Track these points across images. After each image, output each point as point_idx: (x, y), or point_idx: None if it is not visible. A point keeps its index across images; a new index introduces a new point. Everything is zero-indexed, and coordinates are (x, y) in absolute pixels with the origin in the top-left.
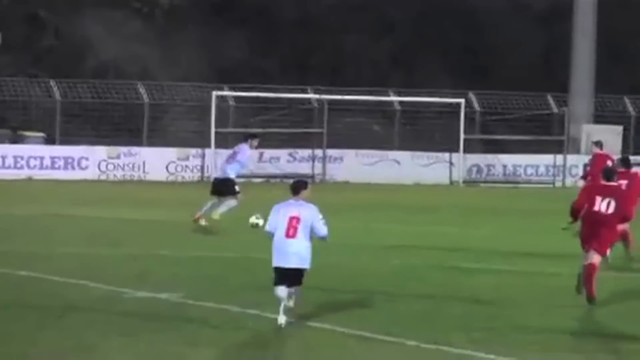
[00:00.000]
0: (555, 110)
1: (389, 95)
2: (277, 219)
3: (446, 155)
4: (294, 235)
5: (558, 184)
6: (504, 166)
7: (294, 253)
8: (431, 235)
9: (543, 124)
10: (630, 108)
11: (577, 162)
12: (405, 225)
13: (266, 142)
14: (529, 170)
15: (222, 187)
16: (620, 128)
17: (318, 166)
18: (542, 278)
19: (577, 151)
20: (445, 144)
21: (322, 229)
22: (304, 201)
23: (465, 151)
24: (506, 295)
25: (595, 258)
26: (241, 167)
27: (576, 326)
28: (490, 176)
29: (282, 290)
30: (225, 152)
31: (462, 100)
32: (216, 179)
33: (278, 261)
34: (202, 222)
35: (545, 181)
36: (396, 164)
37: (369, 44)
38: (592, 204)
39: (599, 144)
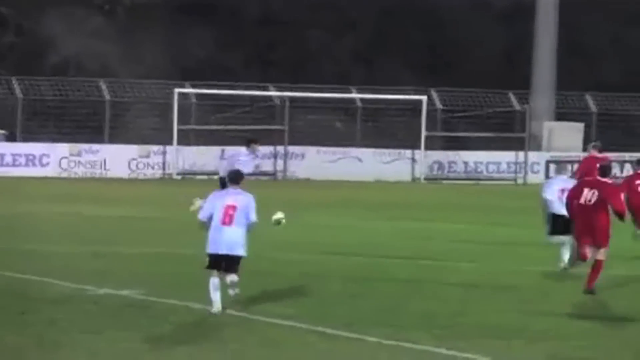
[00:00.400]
0: (516, 107)
1: (350, 93)
2: (213, 207)
3: (408, 152)
4: (230, 223)
5: (519, 180)
6: (466, 163)
7: (229, 240)
8: (394, 231)
9: (505, 121)
10: (591, 105)
11: (539, 159)
12: (367, 222)
13: (227, 139)
14: (491, 167)
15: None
16: (581, 125)
17: (280, 163)
18: (505, 275)
19: (539, 148)
20: (407, 140)
21: (253, 216)
22: (241, 190)
23: (427, 148)
24: (470, 291)
25: (601, 254)
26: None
27: (540, 323)
28: (451, 173)
29: (215, 280)
30: (187, 149)
31: (424, 98)
32: (221, 178)
33: (213, 248)
34: None
35: (507, 178)
36: (358, 161)
37: (331, 41)
38: (579, 197)
39: (596, 146)
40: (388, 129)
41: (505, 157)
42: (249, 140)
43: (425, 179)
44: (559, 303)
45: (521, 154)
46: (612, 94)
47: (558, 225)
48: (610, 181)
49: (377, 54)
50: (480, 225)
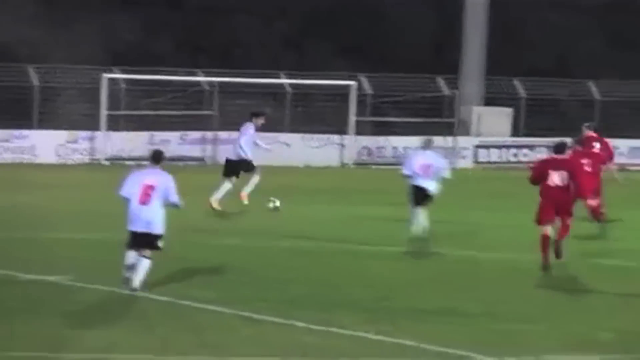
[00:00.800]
0: (445, 92)
1: (280, 78)
2: (132, 186)
3: (337, 137)
4: (147, 202)
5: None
6: (395, 148)
7: (147, 219)
8: (324, 216)
9: (434, 106)
10: (520, 90)
11: (467, 144)
12: (296, 207)
13: (157, 124)
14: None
15: (238, 168)
16: (510, 110)
17: (209, 148)
18: (434, 259)
19: (467, 133)
20: (336, 126)
21: (175, 196)
22: (160, 170)
23: (356, 133)
24: (399, 275)
25: (549, 230)
26: (251, 144)
27: (468, 306)
28: (380, 158)
29: (131, 257)
30: (115, 135)
31: (353, 83)
32: (229, 161)
33: (132, 226)
34: (217, 206)
35: None
36: (286, 146)
37: (261, 26)
38: (546, 178)
39: (591, 126)
40: (317, 115)
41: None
42: (253, 114)
43: (354, 164)
44: (487, 286)
45: (450, 139)
46: (541, 79)
47: (418, 197)
48: (568, 157)
49: (307, 39)
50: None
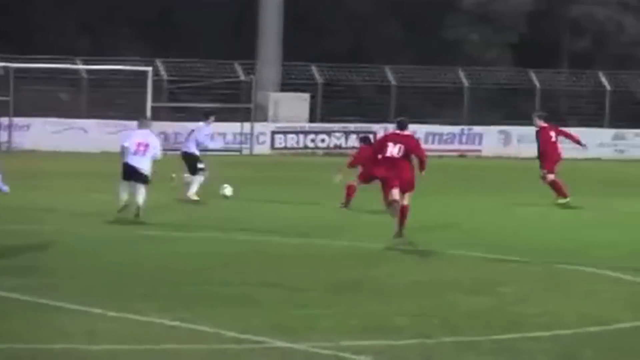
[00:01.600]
0: (243, 77)
1: (75, 64)
2: None
3: (134, 123)
4: None
5: (245, 151)
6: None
7: None
8: (115, 203)
9: (231, 91)
10: (317, 75)
11: (265, 129)
12: (90, 193)
13: None
14: (217, 138)
15: (188, 162)
16: (307, 95)
17: (4, 134)
18: (234, 245)
19: (265, 119)
20: (133, 112)
21: None
22: None
23: (153, 119)
24: (192, 261)
25: (406, 199)
26: (198, 145)
27: (261, 291)
28: (178, 144)
29: None
30: None
31: (150, 68)
32: (184, 153)
33: None
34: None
35: (233, 149)
36: (83, 132)
37: (58, 11)
38: (385, 150)
39: (542, 116)
40: (114, 100)
41: (231, 128)
42: (204, 114)
43: None
44: (283, 270)
45: (247, 124)
46: (338, 65)
47: (126, 172)
48: (411, 134)
49: (103, 24)
50: (207, 196)
